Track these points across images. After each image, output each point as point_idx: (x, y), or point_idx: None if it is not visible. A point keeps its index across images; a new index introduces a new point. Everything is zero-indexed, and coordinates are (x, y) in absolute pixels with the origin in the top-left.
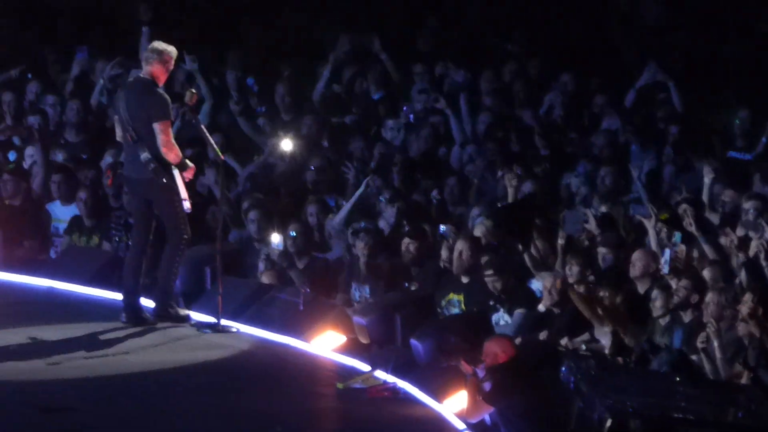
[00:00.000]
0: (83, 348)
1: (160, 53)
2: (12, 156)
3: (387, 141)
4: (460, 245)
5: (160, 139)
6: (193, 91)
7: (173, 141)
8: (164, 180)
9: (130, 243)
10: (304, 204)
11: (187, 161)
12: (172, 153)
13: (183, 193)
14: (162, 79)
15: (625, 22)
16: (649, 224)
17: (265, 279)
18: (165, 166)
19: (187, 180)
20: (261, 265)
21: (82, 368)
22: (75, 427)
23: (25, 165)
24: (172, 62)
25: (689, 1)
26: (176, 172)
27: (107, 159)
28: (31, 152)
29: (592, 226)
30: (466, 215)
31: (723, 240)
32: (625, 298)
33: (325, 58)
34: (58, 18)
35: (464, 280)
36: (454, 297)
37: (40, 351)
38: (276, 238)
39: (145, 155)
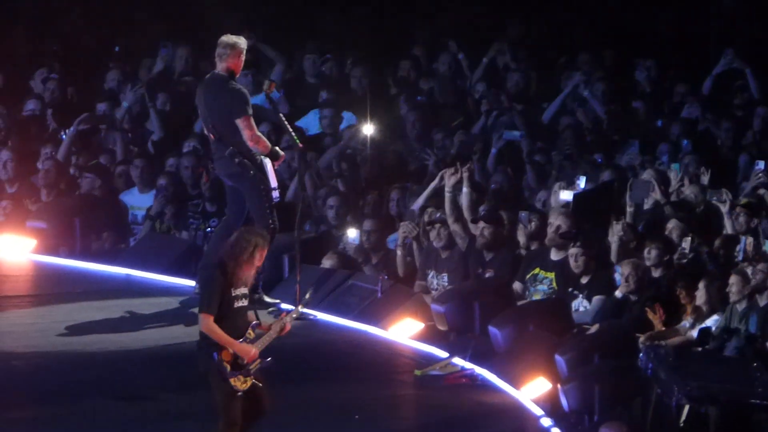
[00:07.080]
0: (156, 333)
1: (232, 47)
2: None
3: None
4: (556, 219)
5: (245, 134)
6: (272, 80)
7: (258, 133)
8: (251, 172)
9: (207, 230)
10: (383, 191)
11: (278, 149)
12: (260, 145)
13: (273, 182)
14: (237, 72)
15: (704, 10)
16: (724, 209)
17: (327, 263)
18: (251, 159)
19: (276, 167)
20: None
21: (157, 354)
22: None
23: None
24: (244, 53)
25: None
26: (267, 161)
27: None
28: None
29: (668, 210)
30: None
31: None
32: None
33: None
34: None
35: (554, 257)
36: (540, 272)
37: (115, 333)
38: (352, 233)
39: (229, 150)
